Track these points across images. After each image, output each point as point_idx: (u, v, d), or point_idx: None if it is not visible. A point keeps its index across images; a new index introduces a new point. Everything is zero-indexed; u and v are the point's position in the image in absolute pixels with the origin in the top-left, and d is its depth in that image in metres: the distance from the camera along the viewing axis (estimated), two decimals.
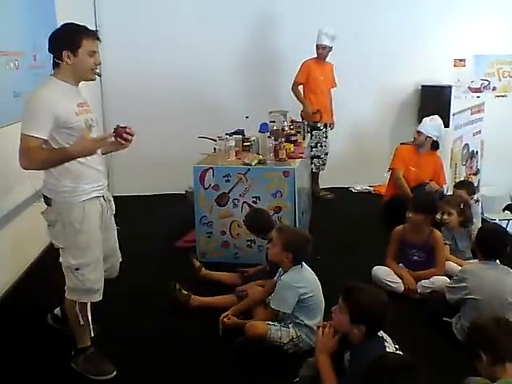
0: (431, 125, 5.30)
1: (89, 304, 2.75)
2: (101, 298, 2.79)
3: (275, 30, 6.18)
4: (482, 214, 6.03)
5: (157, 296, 3.63)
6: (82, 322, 2.74)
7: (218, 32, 6.15)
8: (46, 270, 4.10)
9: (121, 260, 3.04)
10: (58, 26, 2.65)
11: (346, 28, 6.21)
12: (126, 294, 3.59)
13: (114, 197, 3.03)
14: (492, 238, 3.24)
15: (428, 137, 5.28)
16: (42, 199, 2.69)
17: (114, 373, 2.82)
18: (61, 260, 2.71)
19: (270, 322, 3.01)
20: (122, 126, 2.66)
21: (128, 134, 2.64)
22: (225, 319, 3.21)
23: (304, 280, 3.07)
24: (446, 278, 3.70)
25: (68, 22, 2.68)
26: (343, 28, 6.20)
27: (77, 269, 2.66)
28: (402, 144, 5.62)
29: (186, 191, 4.93)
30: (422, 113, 6.57)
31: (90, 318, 2.76)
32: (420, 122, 5.47)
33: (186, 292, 3.54)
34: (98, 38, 2.65)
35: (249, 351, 2.95)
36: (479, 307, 3.04)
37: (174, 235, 4.82)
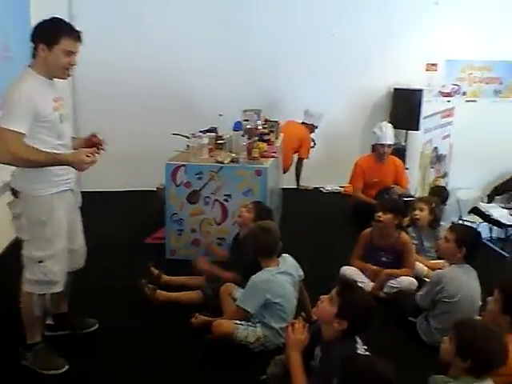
0: (391, 133, 5.41)
1: (48, 295, 2.75)
2: (62, 289, 2.78)
3: (253, 29, 6.18)
4: (460, 217, 6.14)
5: (124, 292, 3.62)
6: (36, 314, 2.73)
7: (194, 27, 6.12)
8: (10, 266, 4.04)
9: (86, 251, 3.03)
10: (48, 17, 2.62)
11: (320, 29, 6.26)
12: (93, 288, 3.55)
13: (85, 192, 3.03)
14: (476, 242, 3.28)
15: (390, 145, 5.39)
16: (10, 191, 2.66)
17: (66, 367, 2.81)
18: (23, 252, 2.69)
19: (237, 322, 3.01)
20: (95, 135, 2.84)
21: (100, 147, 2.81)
22: (192, 319, 3.21)
23: (274, 285, 3.01)
24: (412, 278, 3.77)
25: (56, 16, 2.65)
26: (318, 29, 6.26)
27: (40, 261, 2.64)
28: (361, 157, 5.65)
29: (158, 188, 4.90)
30: (394, 115, 6.68)
31: (39, 312, 2.75)
32: (393, 124, 5.51)
33: (151, 286, 3.54)
34: (79, 40, 2.62)
35: (216, 349, 2.95)
36: (453, 310, 3.08)
37: (144, 232, 4.79)
